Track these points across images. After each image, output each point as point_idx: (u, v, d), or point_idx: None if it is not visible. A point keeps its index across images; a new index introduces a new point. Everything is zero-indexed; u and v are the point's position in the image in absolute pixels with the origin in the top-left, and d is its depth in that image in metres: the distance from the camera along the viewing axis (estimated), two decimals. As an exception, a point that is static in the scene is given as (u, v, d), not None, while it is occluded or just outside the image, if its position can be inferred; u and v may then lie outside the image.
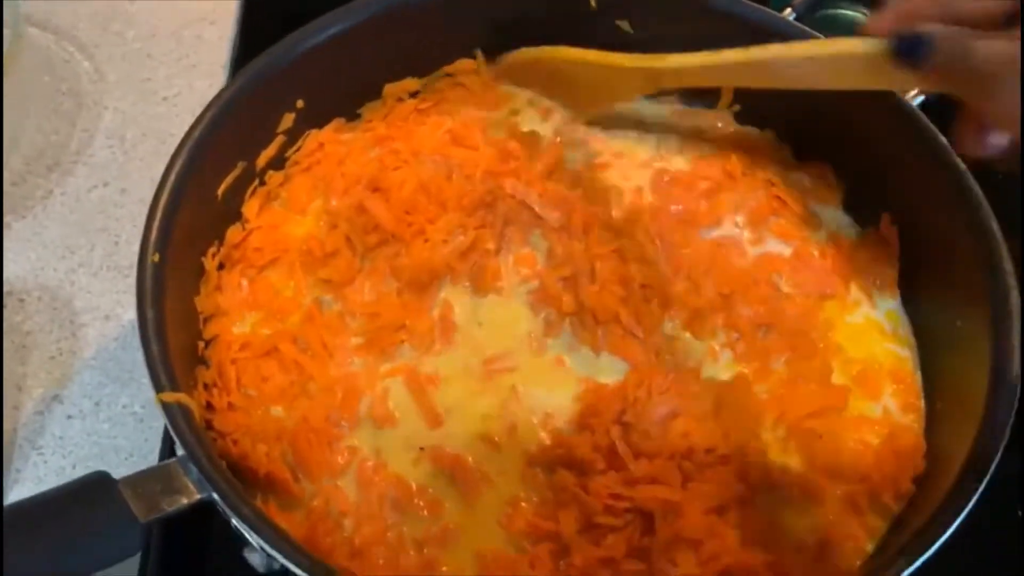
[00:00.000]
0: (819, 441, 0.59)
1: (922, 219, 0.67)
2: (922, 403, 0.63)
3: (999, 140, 0.50)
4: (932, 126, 0.65)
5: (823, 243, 0.69)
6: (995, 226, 0.62)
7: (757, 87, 0.62)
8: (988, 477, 0.52)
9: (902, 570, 0.49)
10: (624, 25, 0.73)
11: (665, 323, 0.63)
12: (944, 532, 0.50)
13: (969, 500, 0.51)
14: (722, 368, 0.63)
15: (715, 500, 0.55)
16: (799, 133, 0.74)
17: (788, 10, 0.74)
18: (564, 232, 0.65)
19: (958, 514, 0.51)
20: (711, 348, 0.63)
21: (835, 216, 0.71)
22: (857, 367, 0.63)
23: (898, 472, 0.58)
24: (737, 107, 0.75)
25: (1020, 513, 0.67)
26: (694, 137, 0.74)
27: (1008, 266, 0.60)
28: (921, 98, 0.69)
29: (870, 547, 0.57)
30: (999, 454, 0.53)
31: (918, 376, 0.64)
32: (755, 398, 0.61)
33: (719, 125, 0.75)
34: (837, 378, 0.62)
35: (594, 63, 0.67)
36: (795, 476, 0.58)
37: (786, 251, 0.68)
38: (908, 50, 0.49)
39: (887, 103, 0.66)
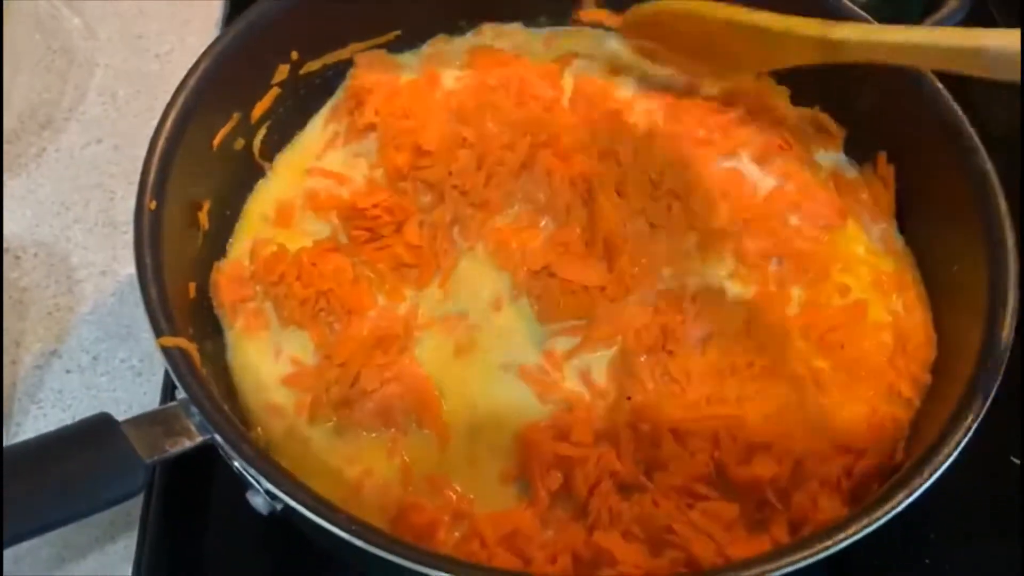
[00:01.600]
0: (842, 350, 0.61)
1: (917, 159, 0.67)
2: (927, 304, 0.65)
3: None
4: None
5: (825, 180, 0.70)
6: (990, 168, 0.62)
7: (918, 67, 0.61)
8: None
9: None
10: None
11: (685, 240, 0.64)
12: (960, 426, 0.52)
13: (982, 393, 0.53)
14: (742, 292, 0.64)
15: (770, 405, 0.58)
16: (796, 76, 0.73)
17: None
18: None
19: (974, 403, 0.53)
20: (729, 273, 0.64)
21: (835, 157, 0.72)
22: (866, 281, 0.65)
23: (913, 365, 0.61)
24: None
25: (1017, 460, 0.68)
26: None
27: (1003, 206, 0.60)
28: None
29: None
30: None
31: (919, 283, 0.65)
32: (781, 313, 0.62)
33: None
34: (853, 294, 0.64)
35: (750, 24, 0.62)
36: (829, 377, 0.60)
37: (791, 188, 0.69)
38: None
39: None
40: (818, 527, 0.53)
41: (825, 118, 0.72)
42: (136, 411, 0.67)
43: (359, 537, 0.46)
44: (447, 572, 0.46)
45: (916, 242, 0.68)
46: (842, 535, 0.48)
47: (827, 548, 0.47)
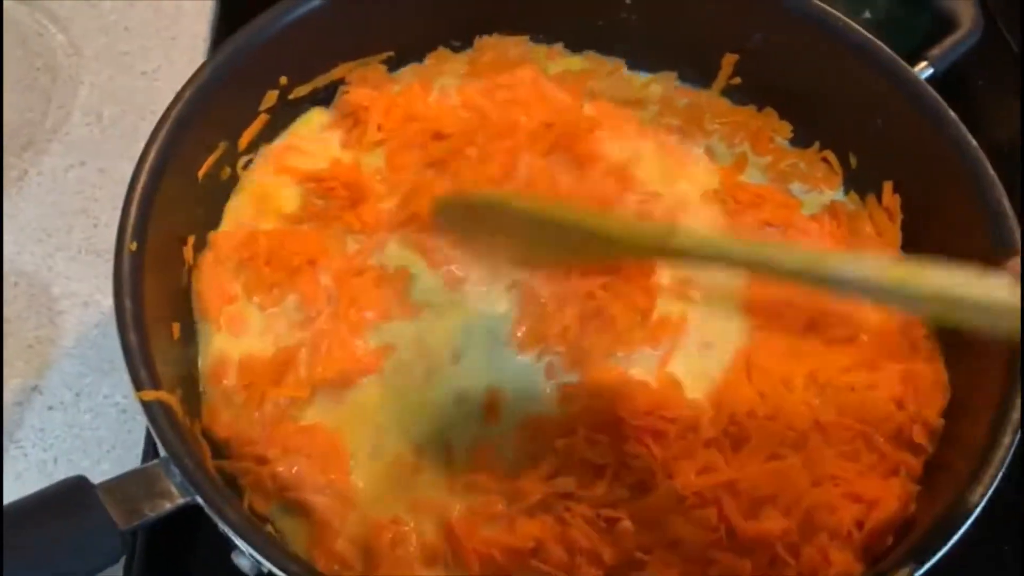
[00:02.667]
0: (851, 393, 0.59)
1: (927, 190, 0.65)
2: (937, 344, 0.62)
3: None
4: (938, 97, 0.64)
5: (819, 215, 0.68)
6: (1005, 201, 0.60)
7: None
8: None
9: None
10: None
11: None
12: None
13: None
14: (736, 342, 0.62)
15: (767, 452, 0.56)
16: (799, 108, 0.71)
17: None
18: None
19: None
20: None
21: (831, 195, 0.70)
22: (873, 321, 0.62)
23: (925, 409, 0.58)
24: (738, 80, 0.73)
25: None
26: (692, 114, 0.71)
27: (1018, 238, 0.58)
28: (929, 71, 0.67)
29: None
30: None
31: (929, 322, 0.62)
32: (783, 357, 0.60)
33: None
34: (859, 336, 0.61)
35: (569, 223, 0.52)
36: (835, 423, 0.58)
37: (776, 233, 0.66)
38: None
39: (896, 78, 0.64)
40: None
41: (830, 156, 0.69)
42: (120, 451, 0.66)
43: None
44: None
45: None
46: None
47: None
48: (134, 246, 0.55)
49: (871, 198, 0.68)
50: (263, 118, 0.67)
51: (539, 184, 0.64)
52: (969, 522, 0.49)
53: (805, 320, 0.62)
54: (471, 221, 0.56)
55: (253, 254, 0.62)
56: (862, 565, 0.53)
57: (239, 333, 0.61)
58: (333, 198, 0.65)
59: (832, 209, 0.68)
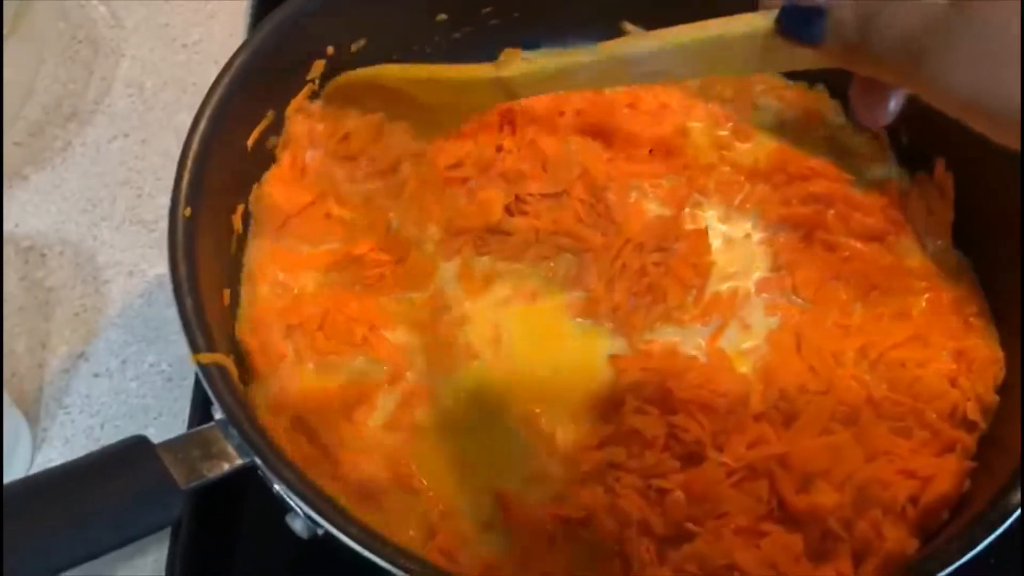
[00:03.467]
0: (902, 369, 0.58)
1: (979, 171, 0.63)
2: (991, 320, 0.62)
3: (895, 106, 0.45)
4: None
5: (868, 190, 0.67)
6: None
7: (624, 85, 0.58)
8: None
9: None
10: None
11: None
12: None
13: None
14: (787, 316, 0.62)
15: (823, 433, 0.55)
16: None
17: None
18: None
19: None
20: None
21: (884, 170, 0.69)
22: (924, 297, 0.62)
23: (978, 384, 0.58)
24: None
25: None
26: (742, 86, 0.70)
27: None
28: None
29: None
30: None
31: (981, 299, 0.62)
32: (833, 331, 0.60)
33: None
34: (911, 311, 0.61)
35: (429, 79, 0.62)
36: (887, 399, 0.57)
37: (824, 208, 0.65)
38: (797, 26, 0.42)
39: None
40: (885, 558, 0.51)
41: (880, 132, 0.68)
42: (167, 418, 0.67)
43: (407, 571, 0.44)
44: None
45: (974, 254, 0.65)
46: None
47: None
48: (188, 212, 0.55)
49: (921, 174, 0.67)
50: (309, 87, 0.67)
51: (593, 168, 0.64)
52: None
53: (854, 295, 0.61)
54: (368, 98, 0.64)
55: (303, 320, 0.60)
56: (916, 541, 0.53)
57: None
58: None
59: (883, 185, 0.67)
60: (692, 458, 0.55)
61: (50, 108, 0.79)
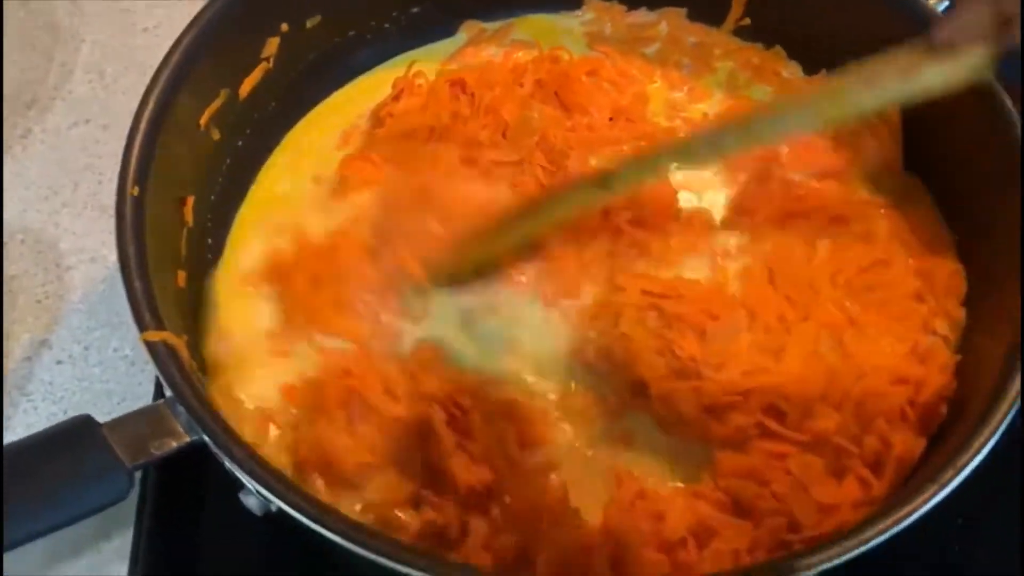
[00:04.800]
0: (871, 293, 0.59)
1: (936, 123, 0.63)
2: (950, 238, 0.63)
3: None
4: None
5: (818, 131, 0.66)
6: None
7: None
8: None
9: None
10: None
11: None
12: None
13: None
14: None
15: (811, 355, 0.56)
16: (809, 48, 0.70)
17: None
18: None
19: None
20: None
21: None
22: (883, 224, 0.62)
23: (945, 300, 0.59)
24: (747, 21, 0.71)
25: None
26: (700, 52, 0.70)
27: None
28: (945, 4, 0.66)
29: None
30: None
31: (938, 222, 0.63)
32: (802, 263, 0.60)
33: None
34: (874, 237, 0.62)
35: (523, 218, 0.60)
36: (864, 318, 0.58)
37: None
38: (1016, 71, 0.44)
39: (916, 18, 0.62)
40: (898, 463, 0.53)
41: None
42: (130, 402, 0.66)
43: (354, 541, 0.44)
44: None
45: (925, 174, 0.65)
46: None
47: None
48: (136, 191, 0.54)
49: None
50: (264, 66, 0.66)
51: (553, 135, 0.63)
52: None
53: (816, 228, 0.62)
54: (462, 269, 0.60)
55: None
56: (923, 439, 0.54)
57: None
58: None
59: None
60: (686, 373, 0.55)
61: (10, 96, 0.78)
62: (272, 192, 0.66)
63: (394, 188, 0.63)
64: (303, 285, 0.59)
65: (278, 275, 0.60)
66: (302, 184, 0.66)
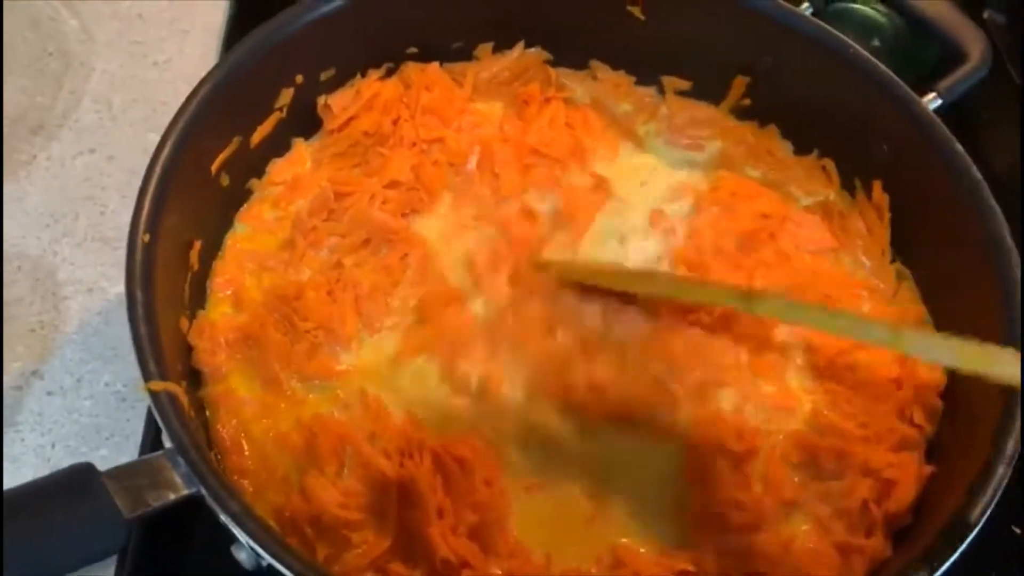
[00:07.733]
0: (852, 374, 0.62)
1: (927, 213, 0.66)
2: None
3: None
4: (946, 130, 0.65)
5: (812, 208, 0.70)
6: (991, 199, 0.62)
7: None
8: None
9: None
10: (635, 11, 0.71)
11: None
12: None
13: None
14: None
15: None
16: (804, 129, 0.72)
17: (805, 4, 0.72)
18: None
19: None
20: None
21: (825, 194, 0.71)
22: (867, 307, 0.66)
23: (922, 389, 0.61)
24: (747, 101, 0.74)
25: (1017, 531, 0.67)
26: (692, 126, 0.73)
27: (1010, 242, 0.60)
28: (937, 102, 0.68)
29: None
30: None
31: (921, 308, 0.66)
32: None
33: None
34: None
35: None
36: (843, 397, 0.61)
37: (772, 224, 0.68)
38: None
39: (906, 108, 0.66)
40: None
41: (830, 165, 0.71)
42: (119, 439, 0.66)
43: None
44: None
45: (915, 268, 0.67)
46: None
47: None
48: (147, 238, 0.55)
49: (861, 196, 0.69)
50: (276, 115, 0.67)
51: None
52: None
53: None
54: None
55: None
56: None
57: None
58: None
59: (825, 206, 0.70)
60: None
61: (15, 120, 0.78)
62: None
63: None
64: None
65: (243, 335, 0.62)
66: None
